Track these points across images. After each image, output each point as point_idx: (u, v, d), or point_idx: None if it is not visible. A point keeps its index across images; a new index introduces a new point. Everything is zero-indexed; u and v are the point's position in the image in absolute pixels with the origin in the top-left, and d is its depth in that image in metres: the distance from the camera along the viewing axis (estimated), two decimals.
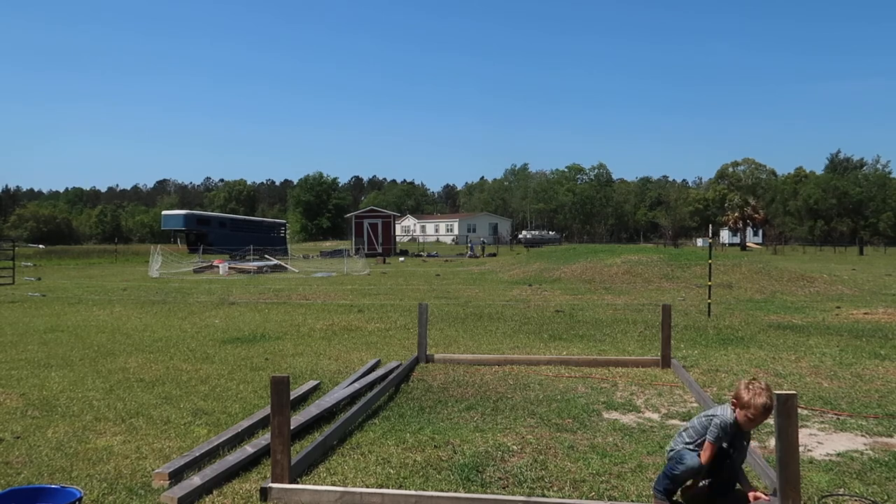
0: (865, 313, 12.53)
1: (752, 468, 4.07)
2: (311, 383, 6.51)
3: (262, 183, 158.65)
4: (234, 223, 52.44)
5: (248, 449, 4.37)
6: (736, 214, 65.43)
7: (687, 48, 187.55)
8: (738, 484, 3.81)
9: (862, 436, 4.96)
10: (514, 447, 4.66)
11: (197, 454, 4.26)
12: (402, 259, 41.19)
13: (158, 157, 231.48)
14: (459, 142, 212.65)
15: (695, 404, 5.87)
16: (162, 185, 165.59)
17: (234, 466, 4.11)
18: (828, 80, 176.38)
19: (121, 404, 5.86)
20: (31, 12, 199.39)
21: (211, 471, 3.98)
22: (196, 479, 3.83)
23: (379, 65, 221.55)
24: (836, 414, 5.56)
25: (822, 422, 5.34)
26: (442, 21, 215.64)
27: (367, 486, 3.92)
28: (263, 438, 4.56)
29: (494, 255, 45.99)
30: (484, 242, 48.95)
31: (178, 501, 3.59)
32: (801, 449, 3.80)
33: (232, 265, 29.20)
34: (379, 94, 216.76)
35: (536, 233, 78.88)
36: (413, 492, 3.71)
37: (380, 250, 45.22)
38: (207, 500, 3.74)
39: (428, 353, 7.78)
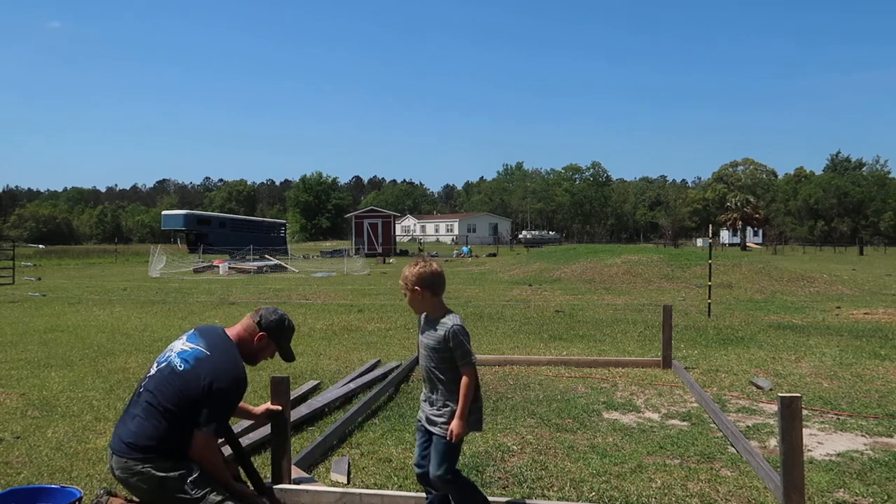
0: (865, 313, 12.53)
1: (755, 470, 4.07)
2: (311, 383, 6.51)
3: (262, 183, 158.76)
4: (234, 223, 52.45)
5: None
6: (736, 215, 65.44)
7: (685, 48, 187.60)
8: None
9: (862, 436, 4.96)
10: (514, 447, 4.66)
11: None
12: (392, 261, 40.32)
13: (158, 156, 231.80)
14: (459, 141, 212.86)
15: (695, 404, 5.87)
16: (162, 185, 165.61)
17: None
18: (828, 78, 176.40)
19: (121, 404, 5.85)
20: (30, 10, 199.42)
21: None
22: None
23: (379, 64, 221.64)
24: (836, 414, 5.56)
25: (823, 422, 5.33)
26: (443, 20, 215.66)
27: (367, 487, 3.92)
28: (247, 438, 4.56)
29: (495, 255, 46.04)
30: (464, 251, 49.02)
31: None
32: None
33: (232, 265, 29.19)
34: (379, 94, 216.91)
35: (536, 233, 78.92)
36: (413, 493, 3.70)
37: (380, 250, 45.21)
38: None
39: None
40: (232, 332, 3.35)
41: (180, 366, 3.13)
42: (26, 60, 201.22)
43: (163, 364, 3.19)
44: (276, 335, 3.42)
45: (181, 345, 3.25)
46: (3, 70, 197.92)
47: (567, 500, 3.75)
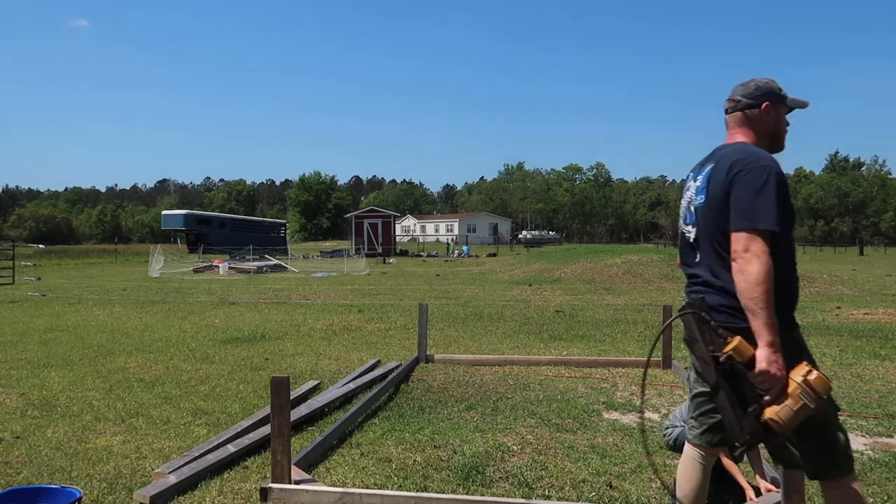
0: (865, 313, 12.53)
1: (755, 470, 4.06)
2: (311, 383, 6.51)
3: (262, 183, 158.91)
4: (234, 223, 52.46)
5: (230, 448, 4.37)
6: None
7: (685, 48, 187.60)
8: None
9: (862, 436, 4.96)
10: (514, 447, 4.65)
11: (196, 454, 4.25)
12: (392, 261, 40.21)
13: (158, 156, 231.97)
14: (460, 141, 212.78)
15: None
16: (162, 184, 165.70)
17: (213, 466, 4.11)
18: (826, 79, 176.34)
19: (121, 404, 5.85)
20: (31, 10, 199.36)
21: (188, 469, 3.98)
22: (171, 478, 3.85)
23: (379, 65, 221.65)
24: None
25: None
26: (444, 20, 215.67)
27: (367, 487, 3.92)
28: (247, 438, 4.57)
29: (495, 255, 46.06)
30: (464, 251, 49.11)
31: (150, 500, 3.63)
32: None
33: (232, 265, 29.20)
34: (379, 94, 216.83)
35: (536, 233, 78.96)
36: (412, 493, 3.71)
37: (380, 250, 45.24)
38: (208, 499, 3.74)
39: (428, 353, 7.77)
40: (731, 141, 2.74)
41: (701, 199, 2.66)
42: (27, 60, 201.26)
43: (687, 222, 2.79)
44: (775, 97, 2.73)
45: (689, 193, 2.80)
46: (4, 70, 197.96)
47: (567, 500, 3.75)
